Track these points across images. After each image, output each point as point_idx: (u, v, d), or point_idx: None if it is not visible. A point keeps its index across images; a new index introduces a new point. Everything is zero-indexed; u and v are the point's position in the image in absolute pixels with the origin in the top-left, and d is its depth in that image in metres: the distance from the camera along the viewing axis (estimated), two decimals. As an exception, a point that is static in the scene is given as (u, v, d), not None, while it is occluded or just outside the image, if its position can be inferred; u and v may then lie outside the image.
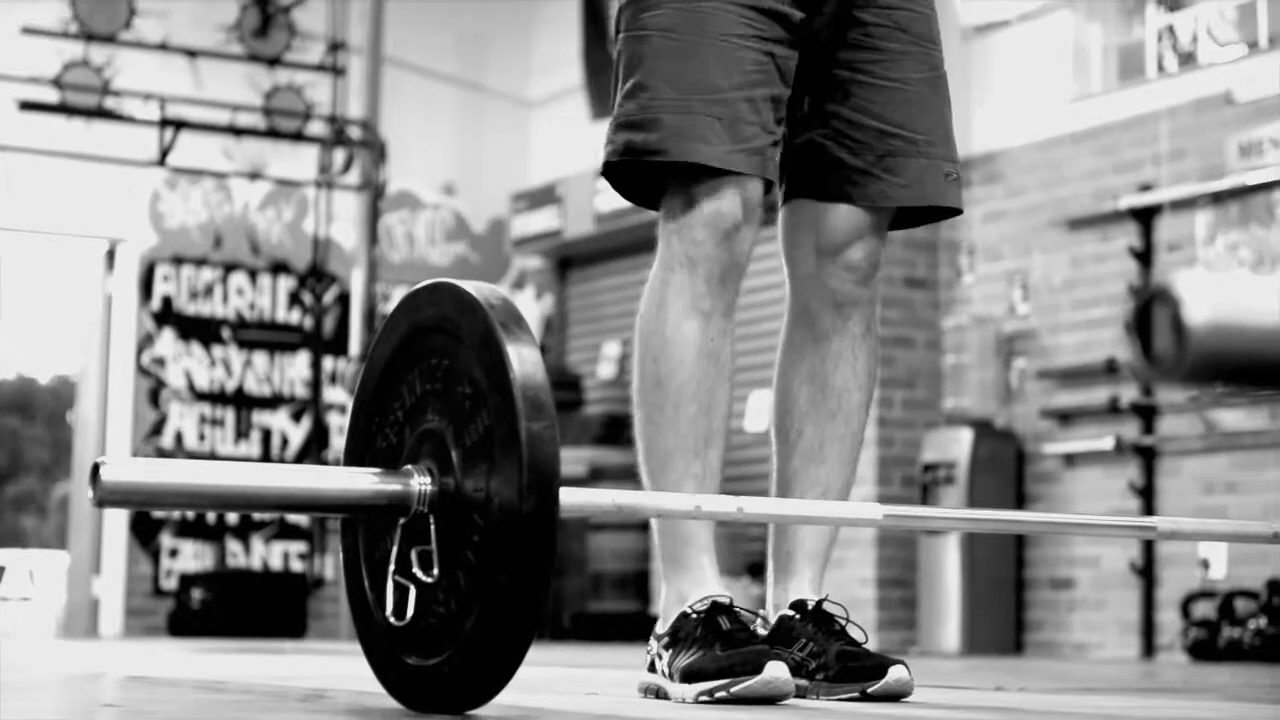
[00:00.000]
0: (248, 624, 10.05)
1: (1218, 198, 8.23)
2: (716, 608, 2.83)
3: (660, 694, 2.86)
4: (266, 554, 11.19)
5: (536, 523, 2.19)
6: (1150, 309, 1.21)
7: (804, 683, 2.95)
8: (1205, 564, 8.18)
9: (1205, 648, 7.86)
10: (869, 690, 2.85)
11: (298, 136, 10.64)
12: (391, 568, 2.38)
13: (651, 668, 2.90)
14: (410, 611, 2.36)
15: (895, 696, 2.86)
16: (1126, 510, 8.40)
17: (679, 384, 2.92)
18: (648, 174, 2.95)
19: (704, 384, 2.92)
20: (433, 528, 2.33)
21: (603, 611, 10.20)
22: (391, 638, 2.41)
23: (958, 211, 3.06)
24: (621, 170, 2.96)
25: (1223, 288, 1.20)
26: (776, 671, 2.68)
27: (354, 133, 10.77)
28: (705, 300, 2.93)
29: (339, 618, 10.29)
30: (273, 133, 10.59)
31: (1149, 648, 8.38)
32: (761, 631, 3.01)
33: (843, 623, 3.00)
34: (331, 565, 11.01)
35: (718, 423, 2.94)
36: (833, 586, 3.11)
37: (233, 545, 11.11)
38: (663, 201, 2.96)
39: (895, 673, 2.85)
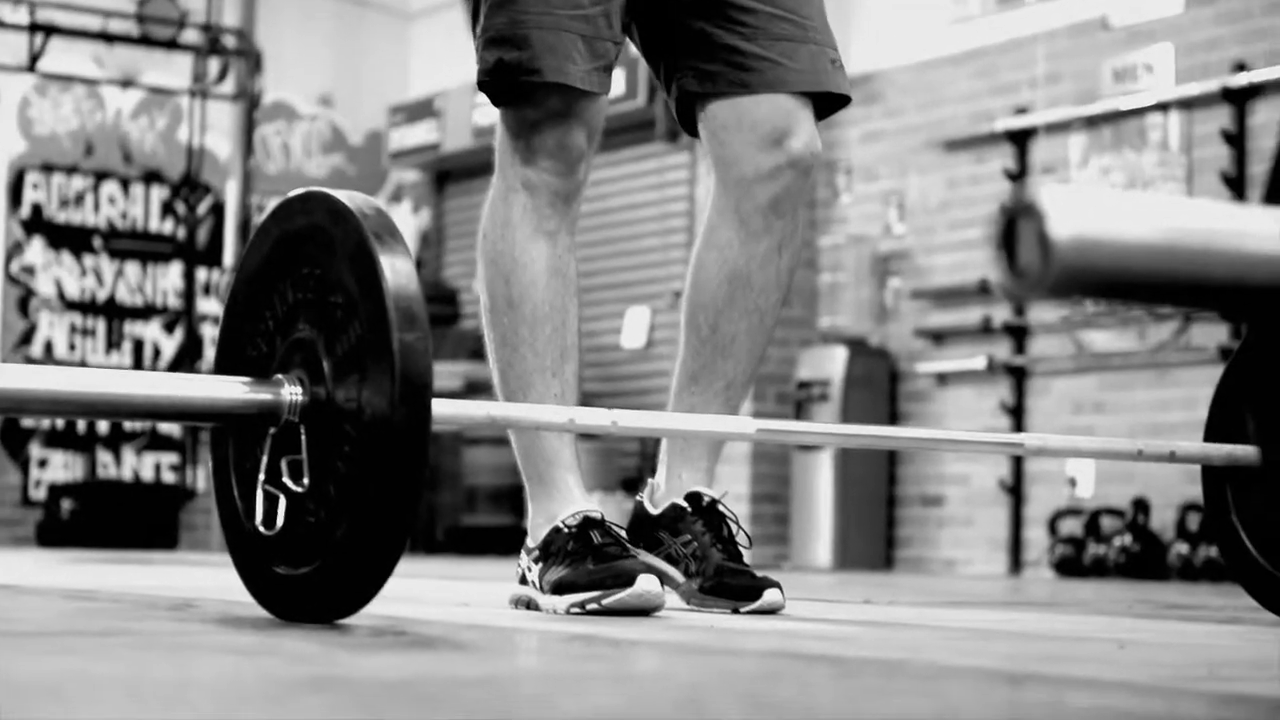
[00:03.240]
0: (118, 535, 9.97)
1: (1091, 122, 8.31)
2: (588, 522, 2.84)
3: (531, 605, 2.87)
4: (138, 465, 11.09)
5: (408, 433, 2.18)
6: (1015, 223, 1.22)
7: (677, 576, 2.99)
8: (1073, 482, 8.30)
9: (1071, 564, 7.99)
10: (741, 610, 2.89)
11: (171, 44, 10.48)
12: (261, 477, 2.38)
13: (523, 580, 2.91)
14: (280, 521, 2.35)
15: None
16: (997, 429, 8.50)
17: (533, 305, 2.92)
18: (515, 84, 2.93)
19: (556, 303, 2.93)
20: (303, 437, 2.33)
21: (476, 525, 10.21)
22: (261, 547, 2.40)
23: (847, 99, 3.04)
24: (493, 84, 2.95)
25: (1087, 202, 1.22)
26: (648, 585, 2.70)
27: (229, 41, 10.63)
28: (550, 220, 2.93)
29: (210, 529, 10.24)
30: (145, 40, 10.43)
31: (1017, 564, 8.50)
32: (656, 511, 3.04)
33: (732, 527, 3.03)
34: (204, 477, 10.93)
35: (571, 338, 2.96)
36: (705, 501, 3.13)
37: (103, 456, 11.00)
38: (505, 113, 2.94)
39: (769, 596, 2.89)
